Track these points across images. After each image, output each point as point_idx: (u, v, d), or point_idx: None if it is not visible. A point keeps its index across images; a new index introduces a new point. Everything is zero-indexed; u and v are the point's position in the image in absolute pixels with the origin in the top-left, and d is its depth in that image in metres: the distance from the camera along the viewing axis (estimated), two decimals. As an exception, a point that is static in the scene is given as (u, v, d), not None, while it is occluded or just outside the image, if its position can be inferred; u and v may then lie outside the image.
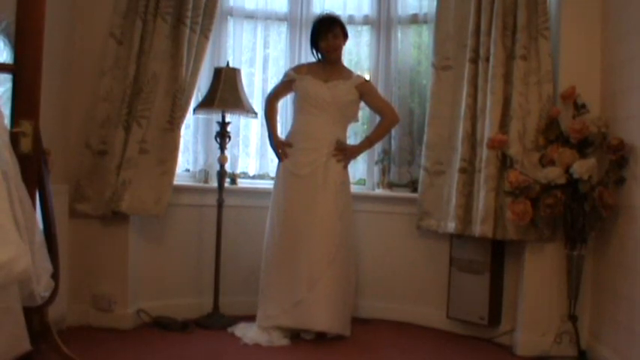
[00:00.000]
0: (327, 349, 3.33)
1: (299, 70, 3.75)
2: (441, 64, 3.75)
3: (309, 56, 4.07)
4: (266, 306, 3.49)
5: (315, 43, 3.72)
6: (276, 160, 3.89)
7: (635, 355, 2.77)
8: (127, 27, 3.56)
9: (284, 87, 3.77)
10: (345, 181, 3.67)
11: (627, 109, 3.05)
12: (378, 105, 3.78)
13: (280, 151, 3.67)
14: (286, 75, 3.77)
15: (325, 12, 3.84)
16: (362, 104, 3.77)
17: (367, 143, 3.78)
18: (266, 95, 3.89)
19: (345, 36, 3.73)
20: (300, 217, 3.53)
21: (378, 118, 3.88)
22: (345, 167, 3.67)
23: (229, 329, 3.57)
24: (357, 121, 3.84)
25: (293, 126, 3.73)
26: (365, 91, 3.71)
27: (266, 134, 4.12)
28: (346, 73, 3.73)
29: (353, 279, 3.70)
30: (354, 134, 4.04)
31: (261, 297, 3.56)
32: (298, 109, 3.71)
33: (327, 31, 3.65)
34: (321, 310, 3.41)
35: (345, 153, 3.65)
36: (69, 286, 3.34)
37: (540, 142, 3.37)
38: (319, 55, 3.74)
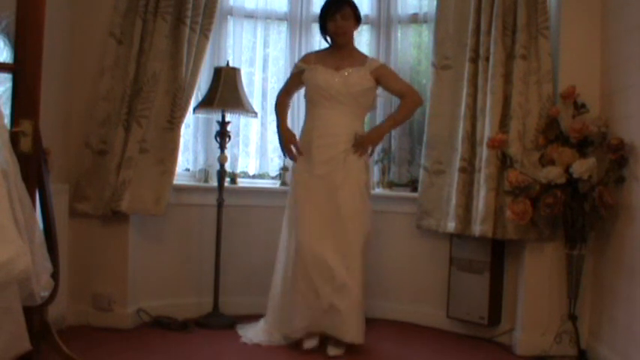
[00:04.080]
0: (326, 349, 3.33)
1: (307, 59, 3.50)
2: (441, 64, 3.75)
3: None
4: (292, 317, 3.28)
5: (323, 26, 3.46)
6: (276, 160, 3.91)
7: (634, 354, 2.77)
8: (127, 26, 3.56)
9: (294, 80, 3.54)
10: (367, 181, 3.43)
11: (627, 109, 3.05)
12: (397, 88, 3.49)
13: (292, 147, 3.42)
14: (295, 67, 3.57)
15: None
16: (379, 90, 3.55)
17: (392, 122, 3.50)
18: (276, 93, 3.71)
19: (357, 19, 3.44)
20: (320, 221, 3.27)
21: (378, 118, 3.87)
22: (371, 154, 3.46)
23: (238, 327, 3.55)
24: (374, 109, 3.62)
25: (305, 122, 3.46)
26: (381, 75, 3.43)
27: (265, 133, 4.14)
28: (360, 59, 3.45)
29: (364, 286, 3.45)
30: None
31: (280, 309, 3.37)
32: (310, 102, 3.43)
33: (336, 12, 3.36)
34: (352, 321, 3.23)
35: (365, 141, 3.36)
36: (69, 285, 3.34)
37: (540, 141, 3.37)
38: (329, 40, 3.49)
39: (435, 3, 3.82)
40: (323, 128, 3.35)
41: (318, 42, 4.12)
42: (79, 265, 3.48)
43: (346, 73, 3.36)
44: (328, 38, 3.50)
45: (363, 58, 3.49)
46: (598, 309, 3.25)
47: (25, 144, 2.25)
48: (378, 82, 3.45)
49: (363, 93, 3.38)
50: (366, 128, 3.62)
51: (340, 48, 3.45)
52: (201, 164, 4.03)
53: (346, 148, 3.33)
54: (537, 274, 3.39)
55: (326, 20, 3.42)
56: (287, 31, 4.16)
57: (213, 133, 3.82)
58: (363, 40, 4.20)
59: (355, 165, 3.34)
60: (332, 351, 3.22)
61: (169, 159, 3.61)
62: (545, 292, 3.37)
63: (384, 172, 4.11)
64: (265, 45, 4.16)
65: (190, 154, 4.04)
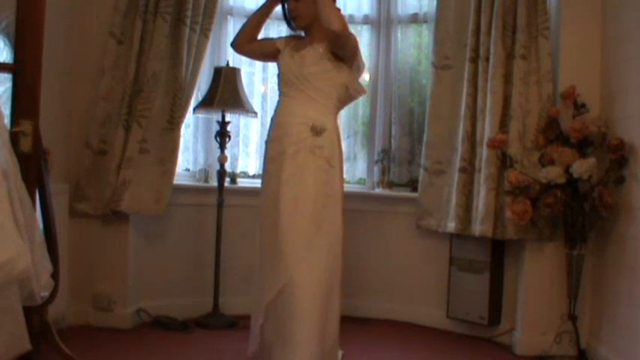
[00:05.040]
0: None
1: (287, 41, 2.96)
2: (441, 64, 3.75)
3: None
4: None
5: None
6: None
7: (635, 354, 2.77)
8: (127, 26, 3.56)
9: (268, 41, 3.06)
10: (333, 184, 2.70)
11: (627, 109, 3.06)
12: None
13: None
14: (276, 38, 3.09)
15: None
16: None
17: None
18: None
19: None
20: (264, 227, 2.72)
21: (378, 118, 3.85)
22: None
23: None
24: (351, 98, 2.90)
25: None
26: (332, 37, 2.70)
27: (265, 133, 4.11)
28: (322, 37, 2.78)
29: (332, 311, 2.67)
30: (353, 133, 4.02)
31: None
32: (279, 92, 2.89)
33: None
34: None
35: None
36: (69, 286, 3.34)
37: (540, 141, 3.37)
38: (293, 26, 2.98)
39: (435, 3, 3.82)
40: (278, 118, 2.80)
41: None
42: (79, 265, 3.48)
43: (304, 54, 2.78)
44: (299, 31, 2.99)
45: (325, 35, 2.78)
46: (598, 309, 3.25)
47: (25, 144, 2.25)
48: (333, 47, 2.75)
49: (320, 76, 2.75)
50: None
51: (307, 32, 2.90)
52: (201, 164, 4.03)
53: (297, 140, 2.67)
54: (537, 274, 3.39)
55: (283, 2, 2.96)
56: (287, 31, 4.15)
57: (213, 133, 3.82)
58: (363, 40, 4.20)
59: (310, 162, 2.67)
60: None
61: (169, 159, 3.61)
62: (545, 292, 3.37)
63: (384, 171, 4.11)
64: (265, 45, 4.15)
65: (190, 154, 4.04)
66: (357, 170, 4.12)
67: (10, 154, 2.03)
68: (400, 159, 4.10)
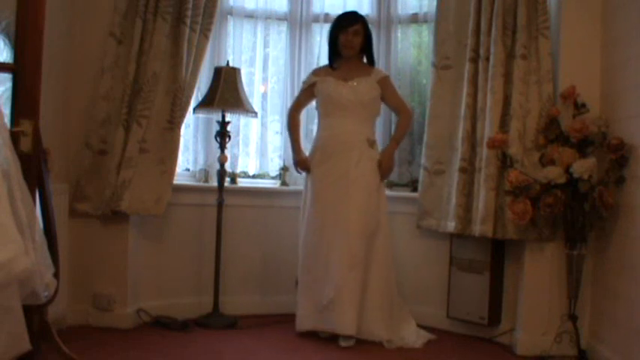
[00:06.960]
0: (327, 350, 3.33)
1: (317, 73, 3.69)
2: (441, 64, 3.75)
3: (308, 55, 4.09)
4: (299, 310, 3.54)
5: (333, 38, 3.63)
6: (276, 160, 3.90)
7: (635, 354, 2.77)
8: (127, 26, 3.56)
9: (305, 95, 3.71)
10: (379, 183, 3.59)
11: (627, 109, 3.05)
12: (394, 102, 3.70)
13: (303, 166, 3.63)
14: (304, 82, 3.73)
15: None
16: None
17: (394, 144, 3.70)
18: (288, 108, 3.85)
19: (368, 36, 3.64)
20: (330, 219, 3.46)
21: (378, 118, 3.88)
22: (384, 178, 3.63)
23: None
24: (379, 115, 3.74)
25: (319, 131, 3.66)
26: (384, 85, 3.63)
27: (265, 133, 4.14)
28: (365, 70, 3.65)
29: (392, 284, 3.62)
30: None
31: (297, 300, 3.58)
32: (322, 113, 3.63)
33: (349, 26, 3.56)
34: (343, 313, 3.35)
35: (381, 167, 3.57)
36: (69, 285, 3.34)
37: (540, 141, 3.37)
38: (332, 58, 3.67)
39: (435, 3, 3.82)
40: (337, 136, 3.54)
41: (318, 42, 4.13)
42: (79, 265, 3.48)
43: (355, 83, 3.56)
44: (333, 54, 3.65)
45: (368, 69, 3.66)
46: (598, 309, 3.25)
47: (25, 144, 2.25)
48: (381, 91, 3.62)
49: (371, 101, 3.58)
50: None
51: (347, 60, 3.63)
52: (201, 164, 4.03)
53: (359, 152, 3.51)
54: (537, 274, 3.39)
55: (338, 31, 3.58)
56: (287, 31, 4.16)
57: (213, 133, 3.82)
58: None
59: (368, 170, 3.52)
60: (343, 342, 3.38)
61: (169, 159, 3.61)
62: (545, 292, 3.37)
63: (384, 172, 4.10)
64: (265, 45, 4.16)
65: (190, 154, 4.04)
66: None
67: (12, 153, 2.03)
68: (400, 159, 4.09)
